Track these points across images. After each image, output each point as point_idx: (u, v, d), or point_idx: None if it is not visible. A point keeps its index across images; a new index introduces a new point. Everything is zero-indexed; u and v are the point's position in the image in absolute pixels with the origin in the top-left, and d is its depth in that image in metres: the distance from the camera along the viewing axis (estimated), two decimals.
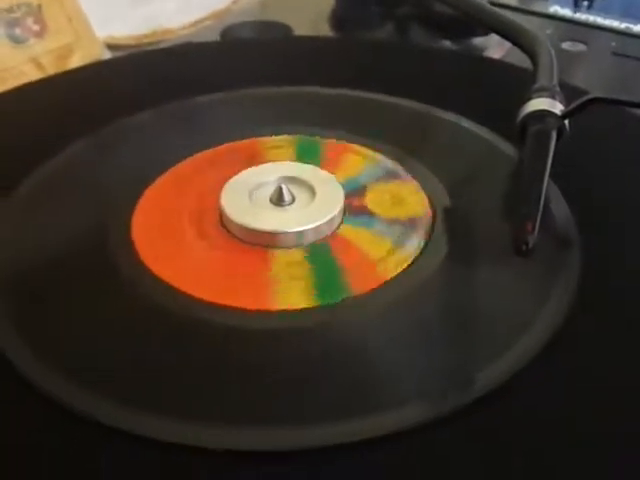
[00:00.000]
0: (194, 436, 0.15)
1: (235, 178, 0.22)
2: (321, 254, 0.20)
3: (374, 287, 0.19)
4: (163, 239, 0.21)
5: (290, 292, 0.19)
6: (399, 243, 0.20)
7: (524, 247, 0.19)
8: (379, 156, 0.24)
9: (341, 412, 0.16)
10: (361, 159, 0.24)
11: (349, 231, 0.21)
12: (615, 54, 0.37)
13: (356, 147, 0.25)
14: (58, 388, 0.16)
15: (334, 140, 0.25)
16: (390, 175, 0.23)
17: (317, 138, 0.25)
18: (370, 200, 0.22)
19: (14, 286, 0.19)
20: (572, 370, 0.17)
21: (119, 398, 0.16)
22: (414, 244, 0.20)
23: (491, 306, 0.19)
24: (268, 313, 0.18)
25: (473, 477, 0.15)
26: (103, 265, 0.20)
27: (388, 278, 0.19)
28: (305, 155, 0.24)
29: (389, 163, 0.24)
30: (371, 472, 0.15)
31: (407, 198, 0.22)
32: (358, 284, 0.19)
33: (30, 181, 0.23)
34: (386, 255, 0.20)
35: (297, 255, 0.20)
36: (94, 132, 0.26)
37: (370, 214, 0.22)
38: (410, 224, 0.21)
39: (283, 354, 0.18)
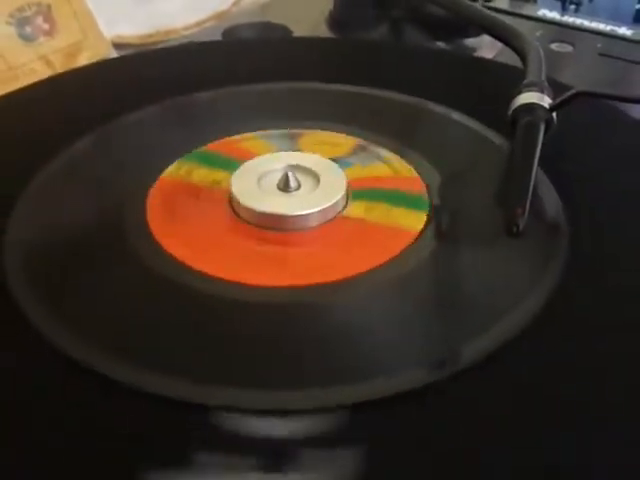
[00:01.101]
0: (195, 393, 0.17)
1: (244, 166, 0.24)
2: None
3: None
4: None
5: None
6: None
7: (515, 229, 0.21)
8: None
9: (337, 378, 0.17)
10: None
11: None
12: (601, 55, 0.39)
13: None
14: (76, 347, 0.18)
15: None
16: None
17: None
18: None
19: (38, 259, 0.21)
20: (555, 344, 0.19)
21: (127, 356, 0.17)
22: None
23: (484, 284, 0.21)
24: (267, 288, 0.20)
25: (459, 440, 0.16)
26: (119, 241, 0.21)
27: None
28: None
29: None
30: (365, 432, 0.16)
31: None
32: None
33: (49, 169, 0.24)
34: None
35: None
36: (111, 123, 0.27)
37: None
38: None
39: (284, 326, 0.19)
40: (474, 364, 0.17)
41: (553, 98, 0.24)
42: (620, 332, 0.19)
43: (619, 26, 0.43)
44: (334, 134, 0.27)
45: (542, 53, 0.28)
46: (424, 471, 0.15)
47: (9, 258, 0.21)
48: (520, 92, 0.25)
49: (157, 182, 0.24)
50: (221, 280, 0.20)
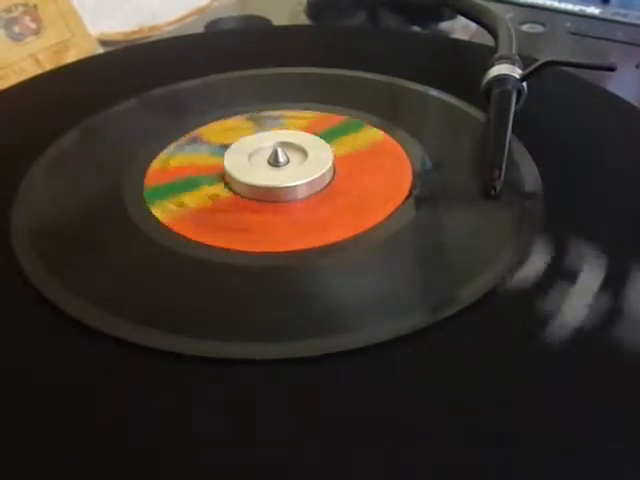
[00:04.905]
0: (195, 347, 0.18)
1: (235, 144, 0.25)
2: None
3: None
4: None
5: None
6: None
7: (493, 191, 0.22)
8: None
9: (345, 325, 0.19)
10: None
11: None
12: (570, 33, 0.41)
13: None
14: (79, 309, 0.19)
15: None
16: None
17: None
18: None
19: (46, 231, 0.22)
20: (533, 292, 0.20)
21: (128, 316, 0.19)
22: None
23: (467, 242, 0.22)
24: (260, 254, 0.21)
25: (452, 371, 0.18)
26: (119, 213, 0.23)
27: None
28: None
29: None
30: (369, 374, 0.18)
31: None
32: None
33: (55, 149, 0.26)
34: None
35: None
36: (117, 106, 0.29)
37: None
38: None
39: (269, 287, 0.20)
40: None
41: (523, 69, 0.26)
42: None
43: (587, 6, 0.44)
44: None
45: (512, 28, 0.29)
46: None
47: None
48: (492, 65, 0.26)
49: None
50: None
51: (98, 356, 0.18)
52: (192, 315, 0.19)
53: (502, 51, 0.27)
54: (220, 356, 0.18)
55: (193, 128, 0.27)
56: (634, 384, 0.17)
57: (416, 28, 0.41)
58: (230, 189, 0.24)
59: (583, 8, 0.44)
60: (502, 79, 0.25)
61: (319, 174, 0.23)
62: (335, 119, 0.27)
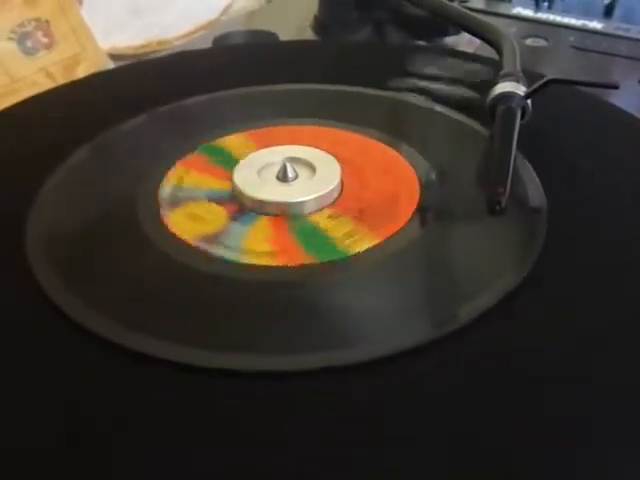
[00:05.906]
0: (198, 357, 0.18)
1: (245, 159, 0.25)
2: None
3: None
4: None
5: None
6: None
7: (497, 207, 0.23)
8: None
9: (349, 340, 0.19)
10: None
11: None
12: (573, 47, 0.41)
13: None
14: (89, 318, 0.20)
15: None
16: None
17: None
18: None
19: (61, 242, 0.23)
20: (536, 308, 0.20)
21: (142, 327, 0.19)
22: None
23: (472, 257, 0.22)
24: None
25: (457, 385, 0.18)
26: (132, 227, 0.23)
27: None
28: None
29: None
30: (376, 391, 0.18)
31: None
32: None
33: (71, 161, 0.27)
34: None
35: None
36: (128, 120, 0.29)
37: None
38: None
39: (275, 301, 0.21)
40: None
41: (528, 86, 0.26)
42: (590, 292, 0.21)
43: (590, 20, 0.45)
44: None
45: (516, 45, 0.30)
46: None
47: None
48: (497, 82, 0.27)
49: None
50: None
51: (116, 368, 0.19)
52: (199, 327, 0.20)
53: (506, 68, 0.28)
54: (233, 367, 0.18)
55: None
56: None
57: (422, 43, 0.41)
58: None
59: (586, 23, 0.45)
60: (507, 96, 0.26)
61: (327, 190, 0.24)
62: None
